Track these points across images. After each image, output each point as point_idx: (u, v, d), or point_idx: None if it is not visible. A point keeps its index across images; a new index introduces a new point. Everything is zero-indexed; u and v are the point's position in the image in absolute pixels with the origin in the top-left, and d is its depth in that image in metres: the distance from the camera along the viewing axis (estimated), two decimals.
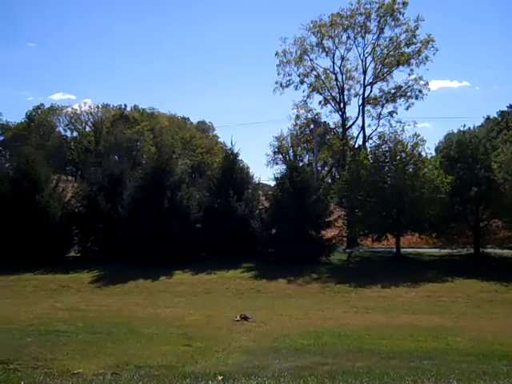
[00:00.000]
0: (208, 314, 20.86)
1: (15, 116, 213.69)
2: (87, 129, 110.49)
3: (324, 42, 46.78)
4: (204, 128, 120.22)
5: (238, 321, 19.28)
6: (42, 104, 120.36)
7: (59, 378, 8.00)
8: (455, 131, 38.17)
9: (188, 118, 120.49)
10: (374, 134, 46.65)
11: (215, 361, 13.09)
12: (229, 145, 41.01)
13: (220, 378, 9.00)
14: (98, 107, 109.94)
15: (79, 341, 14.94)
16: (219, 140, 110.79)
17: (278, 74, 48.11)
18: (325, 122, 50.67)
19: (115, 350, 13.78)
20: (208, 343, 15.35)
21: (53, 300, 24.86)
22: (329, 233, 35.51)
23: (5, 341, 14.38)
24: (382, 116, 47.73)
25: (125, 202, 33.46)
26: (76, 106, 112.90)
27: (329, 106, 48.75)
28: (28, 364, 11.92)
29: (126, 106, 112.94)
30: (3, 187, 34.59)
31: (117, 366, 11.84)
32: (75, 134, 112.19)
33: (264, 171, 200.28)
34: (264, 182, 46.62)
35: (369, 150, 38.09)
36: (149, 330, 16.93)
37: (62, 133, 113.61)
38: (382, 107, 47.84)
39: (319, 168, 51.76)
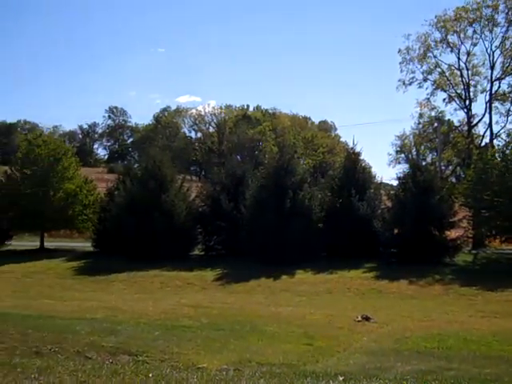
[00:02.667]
0: (329, 313, 20.79)
1: (143, 118, 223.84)
2: (211, 129, 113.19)
3: (449, 37, 45.65)
4: (326, 127, 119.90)
5: (359, 321, 19.12)
6: (169, 106, 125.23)
7: (185, 372, 8.27)
8: None
9: (309, 118, 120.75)
10: (502, 131, 44.98)
11: (336, 361, 13.04)
12: (351, 144, 40.80)
13: (341, 378, 8.96)
14: (221, 108, 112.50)
15: (203, 336, 15.31)
16: (341, 139, 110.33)
17: (401, 72, 47.45)
18: (449, 119, 49.42)
19: (238, 347, 14.02)
20: (329, 343, 15.32)
21: (178, 296, 25.66)
22: (453, 233, 34.46)
23: (135, 334, 14.99)
24: (511, 112, 45.91)
25: (247, 202, 33.97)
26: (200, 108, 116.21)
27: (453, 103, 47.51)
28: (156, 357, 12.36)
29: (248, 106, 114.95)
30: (133, 187, 36.04)
31: (239, 363, 12.04)
32: (199, 134, 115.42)
33: (386, 170, 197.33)
34: (386, 181, 45.91)
35: (497, 148, 36.63)
36: (270, 328, 17.10)
37: (187, 134, 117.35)
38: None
39: (443, 167, 50.36)
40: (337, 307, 22.60)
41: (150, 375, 7.18)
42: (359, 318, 19.36)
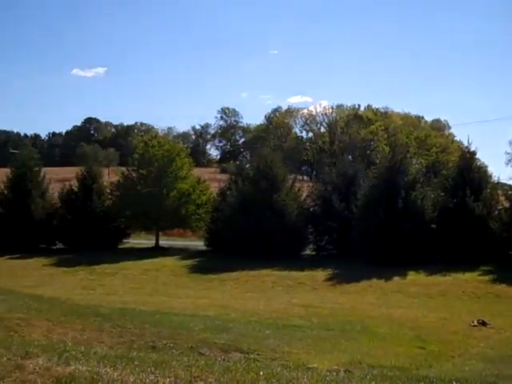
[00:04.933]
0: (443, 316, 20.29)
1: (255, 119, 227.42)
2: (322, 129, 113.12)
3: None
4: (439, 126, 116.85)
5: (475, 326, 18.53)
6: (280, 107, 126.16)
7: (295, 371, 8.27)
8: None
9: (422, 117, 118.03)
10: None
11: (451, 366, 12.72)
12: (465, 143, 39.58)
13: None
14: (332, 108, 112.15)
15: (314, 336, 15.32)
16: (455, 139, 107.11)
17: None
18: None
19: (348, 348, 13.94)
20: (443, 347, 14.94)
21: (289, 296, 25.76)
22: None
23: (246, 332, 15.21)
24: None
25: (359, 202, 33.66)
26: (312, 108, 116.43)
27: None
28: (266, 355, 12.47)
29: (359, 105, 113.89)
30: (245, 187, 36.51)
31: (350, 364, 11.96)
32: (310, 134, 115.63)
33: (504, 170, 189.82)
34: (504, 181, 44.15)
35: None
36: (382, 330, 16.89)
37: (298, 134, 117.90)
38: None
39: None
40: (451, 310, 22.00)
41: (261, 373, 7.23)
42: (475, 323, 18.77)
